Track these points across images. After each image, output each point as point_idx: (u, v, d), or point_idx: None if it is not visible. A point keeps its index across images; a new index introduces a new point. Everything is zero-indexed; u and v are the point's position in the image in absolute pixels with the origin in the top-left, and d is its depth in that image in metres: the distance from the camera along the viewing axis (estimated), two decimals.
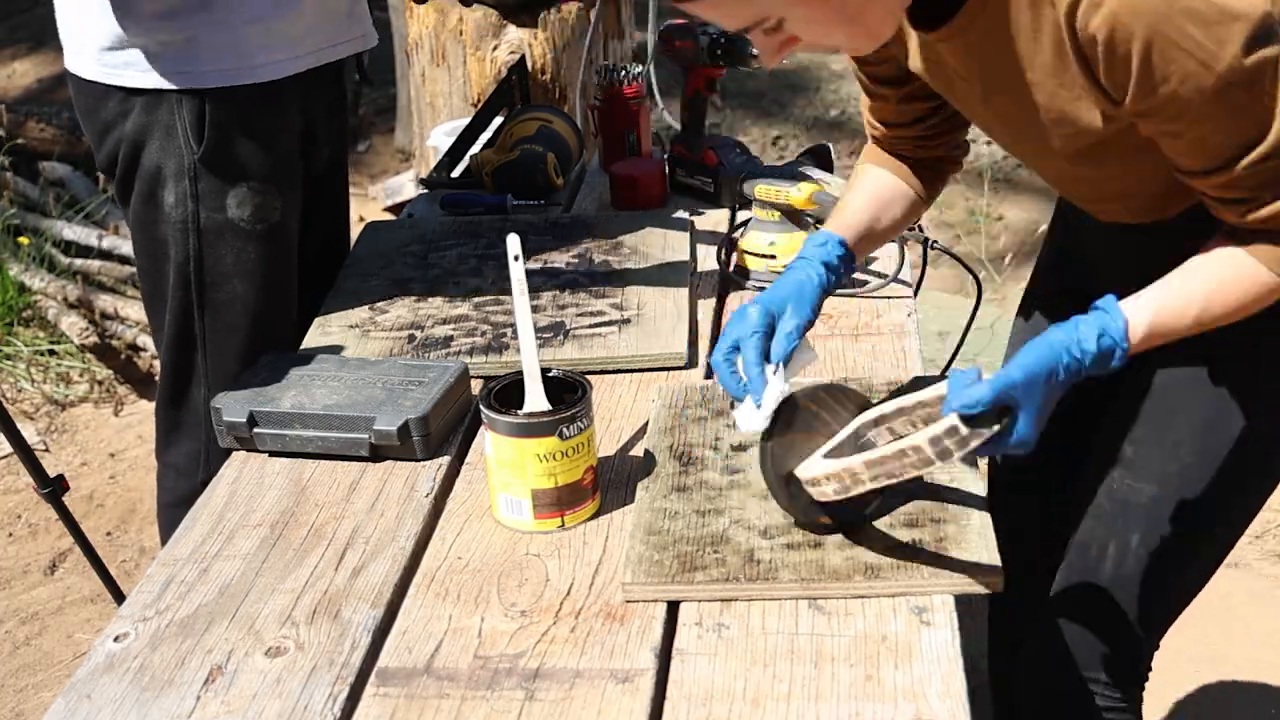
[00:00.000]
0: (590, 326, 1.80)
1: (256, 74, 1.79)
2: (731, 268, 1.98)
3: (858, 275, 1.93)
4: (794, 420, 1.34)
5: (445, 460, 1.56)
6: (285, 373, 1.67)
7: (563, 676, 1.20)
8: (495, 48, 2.90)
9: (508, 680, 1.20)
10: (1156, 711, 2.50)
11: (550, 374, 1.45)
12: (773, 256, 1.91)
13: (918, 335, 1.79)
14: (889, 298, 1.87)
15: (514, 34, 2.88)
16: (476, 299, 1.90)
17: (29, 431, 3.40)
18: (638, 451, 1.53)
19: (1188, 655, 2.60)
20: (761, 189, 1.92)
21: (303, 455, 1.58)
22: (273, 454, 1.60)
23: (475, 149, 2.42)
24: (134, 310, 3.76)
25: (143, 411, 3.56)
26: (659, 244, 2.04)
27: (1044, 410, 1.25)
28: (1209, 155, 1.24)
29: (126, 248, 4.01)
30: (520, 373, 1.45)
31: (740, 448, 1.50)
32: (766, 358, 1.37)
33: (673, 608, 1.29)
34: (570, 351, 1.74)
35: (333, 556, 1.40)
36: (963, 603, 1.28)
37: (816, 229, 1.99)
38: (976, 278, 1.89)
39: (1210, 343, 1.37)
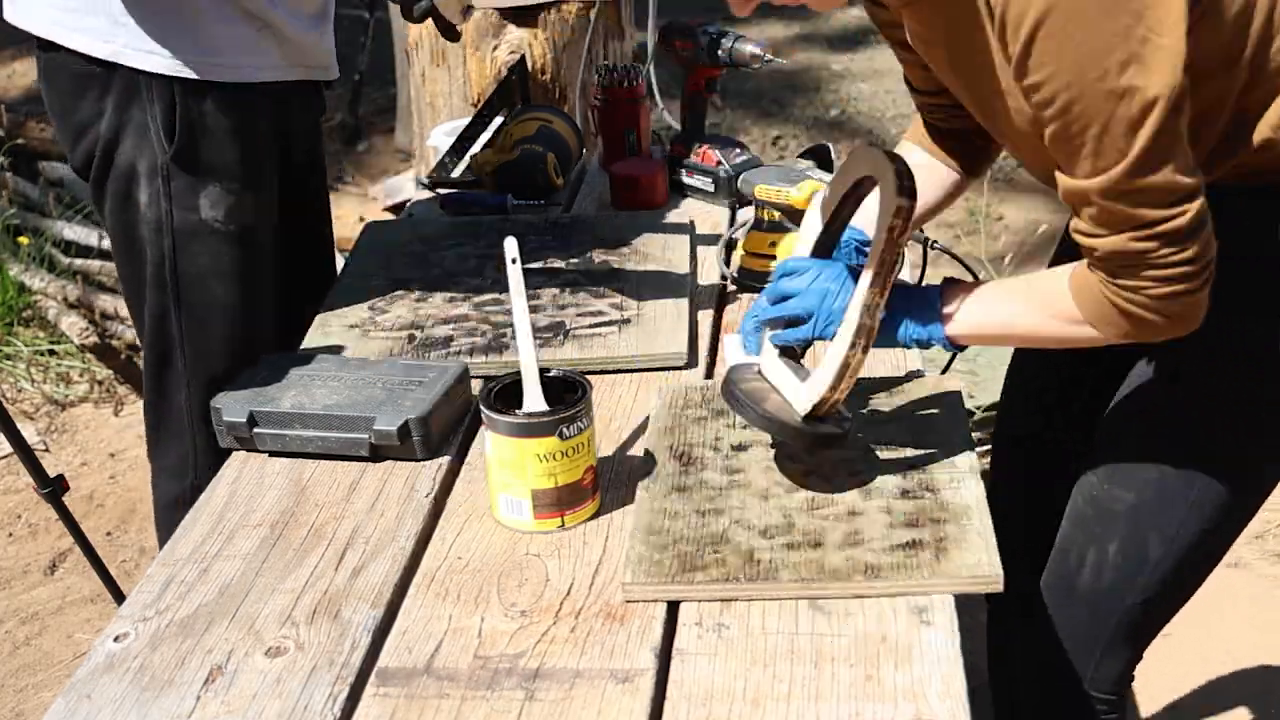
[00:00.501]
0: (590, 326, 1.80)
1: (224, 74, 1.77)
2: (731, 267, 1.98)
3: None
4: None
5: (445, 460, 1.56)
6: (285, 373, 1.67)
7: (563, 676, 1.20)
8: (495, 48, 2.89)
9: (508, 680, 1.20)
10: (1157, 712, 2.50)
11: (550, 374, 1.45)
12: (773, 257, 1.91)
13: None
14: None
15: (514, 34, 2.87)
16: (476, 299, 1.90)
17: (29, 431, 3.40)
18: (638, 451, 1.53)
19: (1188, 655, 2.60)
20: (761, 189, 1.92)
21: (303, 455, 1.58)
22: (273, 454, 1.60)
23: (475, 149, 2.42)
24: None
25: (142, 411, 3.56)
26: (659, 244, 2.04)
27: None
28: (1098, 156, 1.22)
29: None
30: (518, 373, 1.45)
31: (740, 448, 1.50)
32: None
33: (673, 608, 1.29)
34: (570, 351, 1.74)
35: (333, 556, 1.40)
36: (963, 603, 1.28)
37: None
38: (976, 278, 1.88)
39: (1198, 352, 1.37)
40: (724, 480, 1.45)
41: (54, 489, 2.21)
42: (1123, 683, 1.65)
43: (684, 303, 1.85)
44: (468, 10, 2.76)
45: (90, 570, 2.38)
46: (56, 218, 4.29)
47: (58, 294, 3.89)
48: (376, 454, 1.56)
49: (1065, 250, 1.73)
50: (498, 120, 2.50)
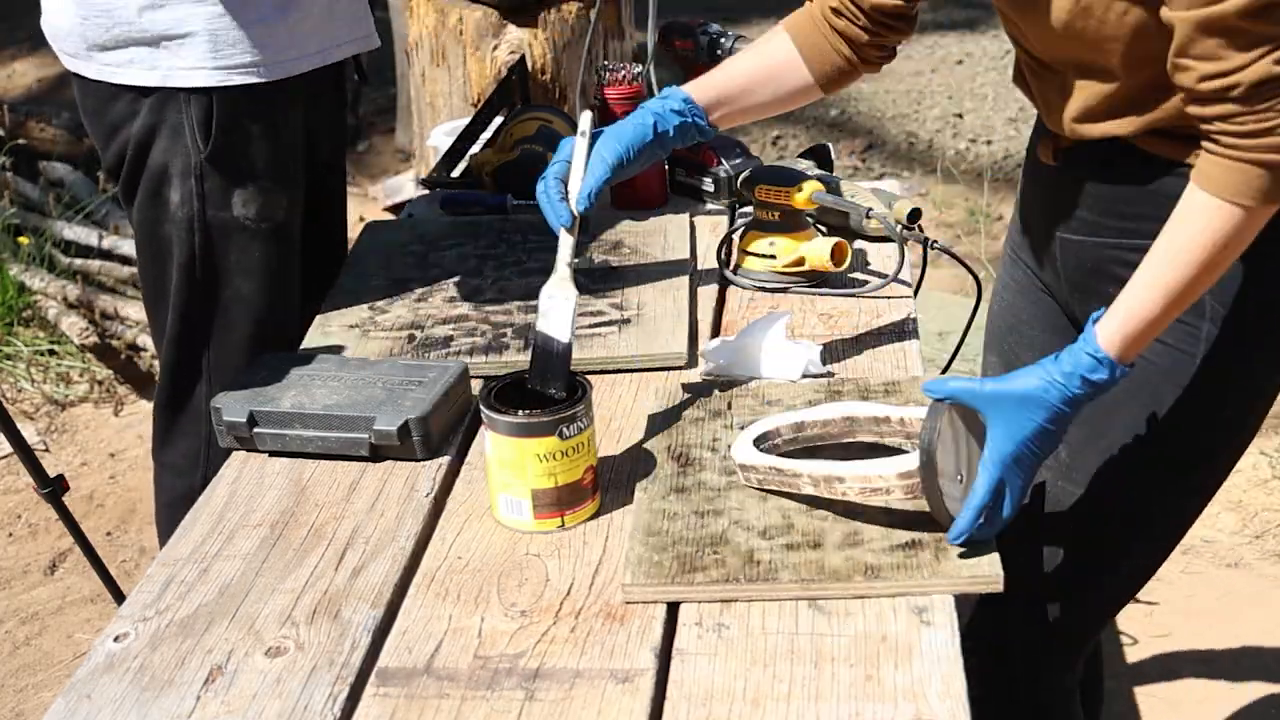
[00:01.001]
0: (590, 326, 1.80)
1: (262, 74, 1.80)
2: (731, 268, 1.98)
3: (857, 275, 1.93)
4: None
5: (445, 460, 1.56)
6: (285, 373, 1.67)
7: (563, 676, 1.20)
8: (495, 48, 2.89)
9: (508, 680, 1.20)
10: (1157, 712, 2.50)
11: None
12: (773, 256, 1.91)
13: (918, 335, 1.79)
14: (889, 298, 1.87)
15: (514, 34, 2.87)
16: (476, 299, 1.90)
17: (29, 431, 3.40)
18: (637, 451, 1.53)
19: (1188, 655, 2.60)
20: (761, 189, 1.92)
21: (303, 455, 1.58)
22: (273, 454, 1.60)
23: (475, 149, 2.42)
24: (134, 310, 3.76)
25: (143, 411, 3.56)
26: (659, 244, 2.04)
27: (1029, 477, 1.30)
28: None
29: (126, 248, 4.01)
30: (520, 372, 1.45)
31: None
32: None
33: (673, 608, 1.29)
34: None
35: (333, 556, 1.40)
36: (962, 602, 1.28)
37: (818, 229, 2.00)
38: (976, 278, 1.89)
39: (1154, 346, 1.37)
40: (722, 481, 1.45)
41: (54, 489, 2.21)
42: (1081, 653, 1.68)
43: (684, 303, 1.85)
44: None
45: (90, 570, 2.39)
46: (57, 218, 4.29)
47: (58, 294, 3.89)
48: (376, 454, 1.56)
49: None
50: (498, 120, 2.50)
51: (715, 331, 1.84)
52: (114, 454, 3.43)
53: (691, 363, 1.74)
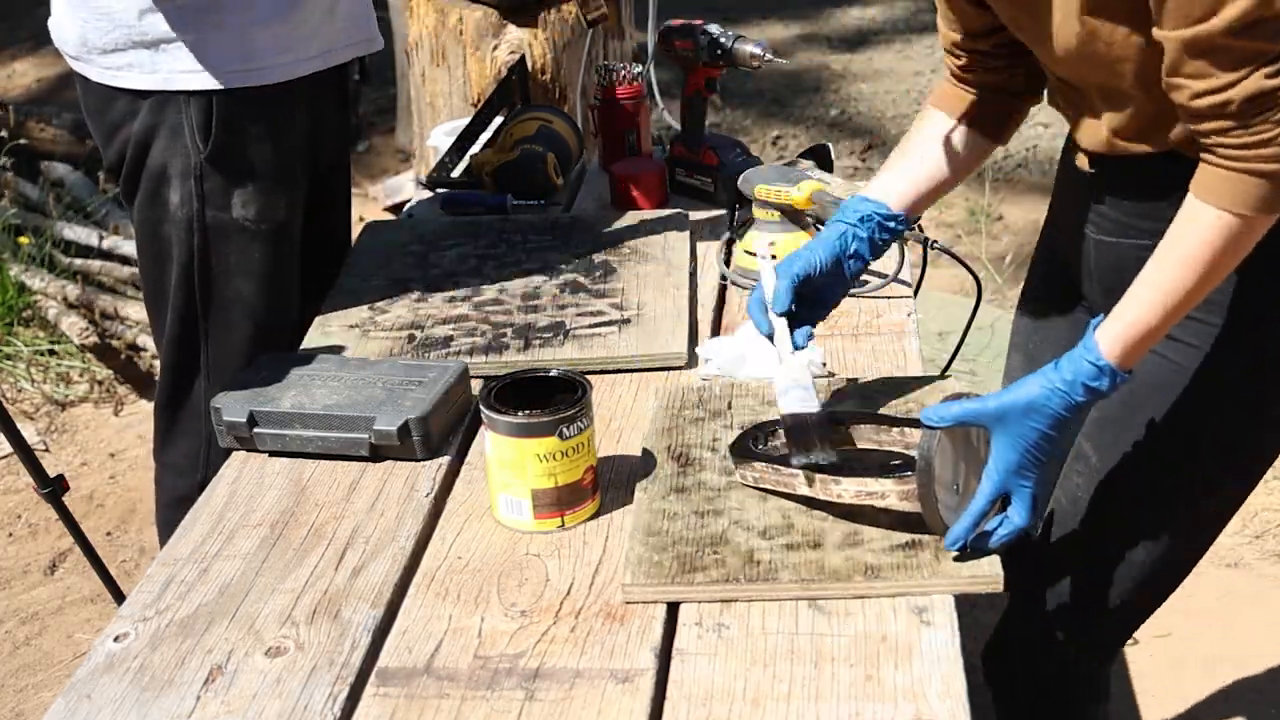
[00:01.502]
0: (590, 326, 1.80)
1: (263, 76, 1.80)
2: (731, 268, 1.98)
3: None
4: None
5: (445, 460, 1.56)
6: (285, 373, 1.67)
7: (563, 676, 1.20)
8: (495, 48, 2.90)
9: (508, 680, 1.20)
10: (1158, 712, 2.50)
11: (550, 374, 1.45)
12: (773, 257, 1.91)
13: (918, 335, 1.79)
14: (889, 298, 1.87)
15: (514, 34, 2.87)
16: (476, 299, 1.90)
17: (29, 431, 3.40)
18: (637, 452, 1.53)
19: (1188, 656, 2.60)
20: (761, 189, 1.92)
21: (303, 455, 1.58)
22: (273, 454, 1.60)
23: (475, 149, 2.42)
24: (134, 310, 3.76)
25: (143, 411, 3.56)
26: (659, 244, 2.04)
27: (1039, 483, 1.30)
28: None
29: (126, 248, 4.01)
30: (521, 372, 1.45)
31: None
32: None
33: (673, 608, 1.29)
34: (570, 351, 1.74)
35: (333, 556, 1.40)
36: (962, 602, 1.28)
37: (817, 229, 2.00)
38: (976, 278, 1.89)
39: (1179, 341, 1.38)
40: (722, 481, 1.45)
41: (54, 489, 2.21)
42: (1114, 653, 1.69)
43: (684, 303, 1.85)
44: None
45: (90, 570, 2.38)
46: (57, 218, 4.29)
47: (58, 294, 3.89)
48: (376, 454, 1.56)
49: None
50: (498, 120, 2.50)
51: (715, 331, 1.84)
52: (114, 454, 3.43)
53: (691, 363, 1.74)
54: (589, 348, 1.75)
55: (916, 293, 1.91)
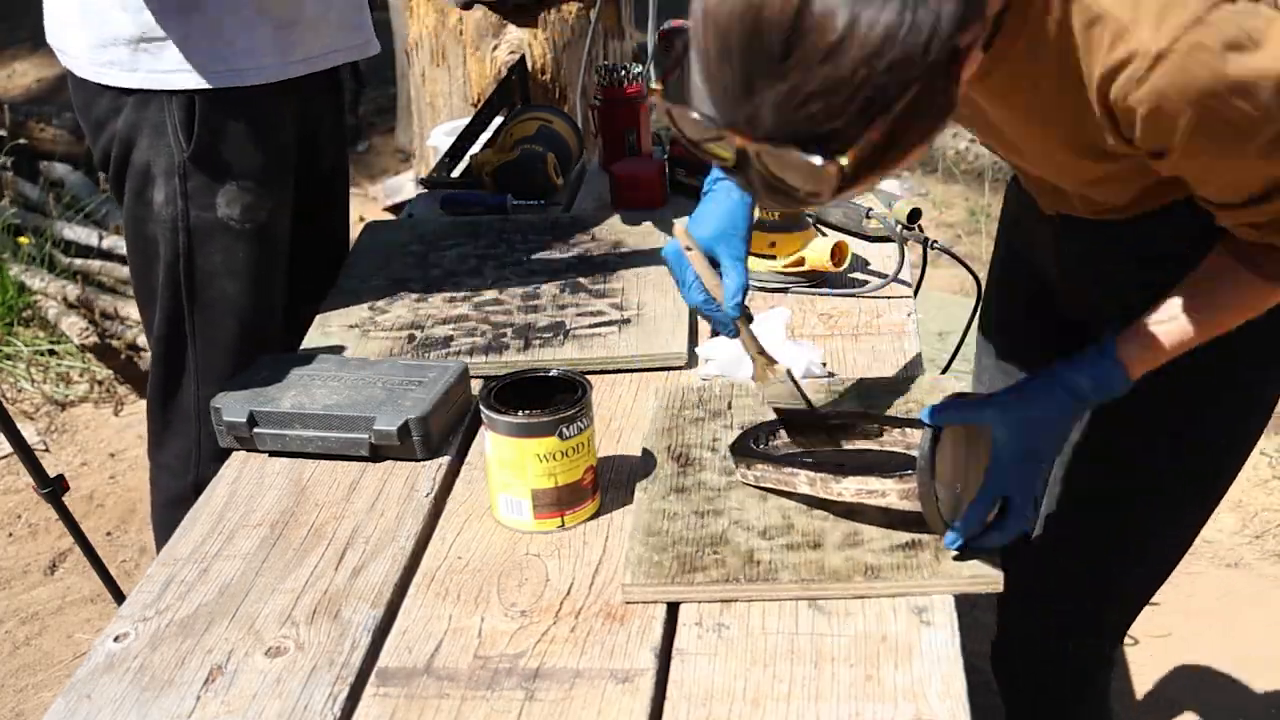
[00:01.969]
0: (590, 326, 1.80)
1: (246, 77, 1.79)
2: None
3: (857, 275, 1.93)
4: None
5: (445, 460, 1.56)
6: (285, 373, 1.67)
7: (563, 676, 1.20)
8: (495, 48, 2.90)
9: (508, 680, 1.20)
10: (1158, 712, 2.50)
11: (550, 374, 1.45)
12: (773, 256, 1.91)
13: (918, 335, 1.79)
14: (889, 298, 1.87)
15: (514, 34, 2.87)
16: (476, 299, 1.90)
17: (29, 431, 3.40)
18: (637, 452, 1.53)
19: (1189, 656, 2.60)
20: None
21: (303, 455, 1.58)
22: (273, 454, 1.60)
23: (475, 149, 2.42)
24: (134, 310, 3.76)
25: (142, 411, 3.54)
26: (659, 244, 2.04)
27: (1041, 485, 1.30)
28: (1241, 191, 1.22)
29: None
30: (521, 372, 1.45)
31: None
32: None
33: (673, 608, 1.29)
34: (570, 351, 1.74)
35: (333, 556, 1.40)
36: (962, 602, 1.28)
37: (817, 229, 2.00)
38: (976, 278, 1.89)
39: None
40: (722, 481, 1.45)
41: (54, 489, 2.21)
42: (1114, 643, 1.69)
43: (684, 303, 1.85)
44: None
45: (90, 570, 2.38)
46: (56, 218, 4.30)
47: (58, 294, 3.89)
48: (376, 454, 1.56)
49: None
50: (497, 120, 2.50)
51: (715, 331, 1.84)
52: (114, 454, 3.43)
53: (691, 363, 1.74)
54: (589, 348, 1.75)
55: (916, 293, 1.91)
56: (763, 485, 1.41)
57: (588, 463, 1.41)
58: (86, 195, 4.48)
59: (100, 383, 3.70)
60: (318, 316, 1.89)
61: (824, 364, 1.68)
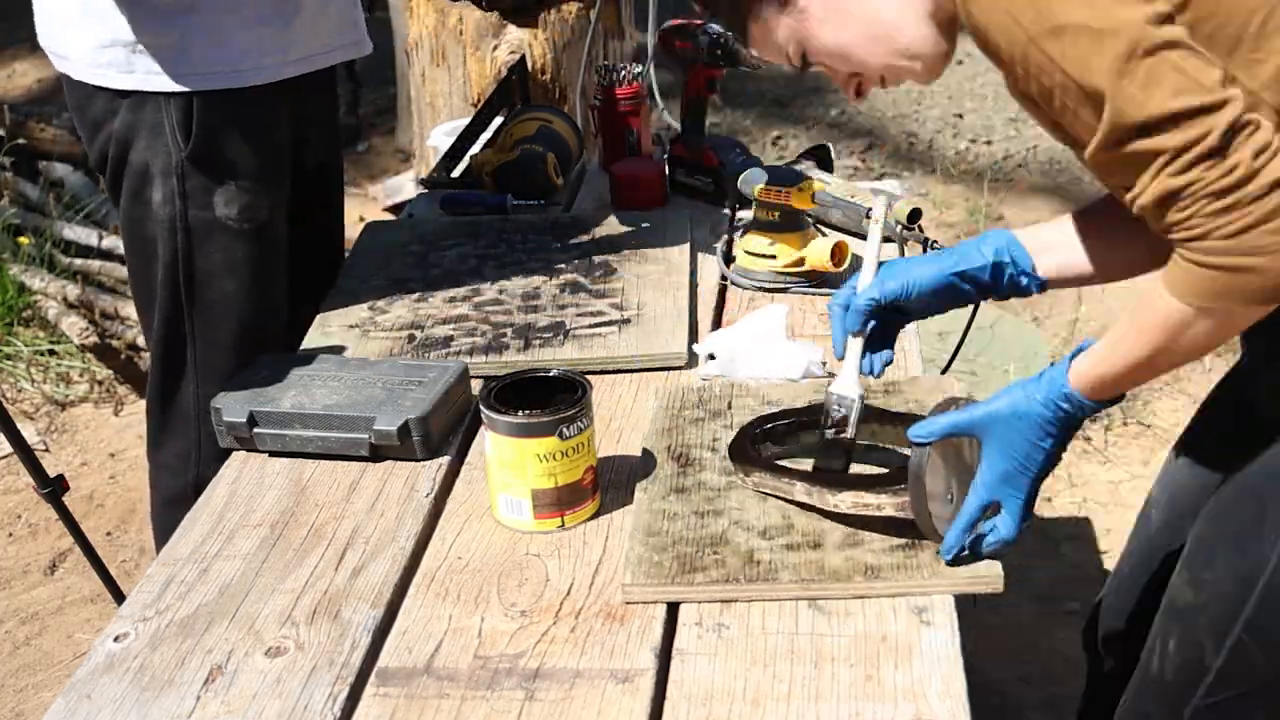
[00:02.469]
0: (590, 326, 1.80)
1: (243, 78, 1.79)
2: (731, 268, 1.98)
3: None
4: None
5: (445, 460, 1.56)
6: (285, 373, 1.67)
7: (563, 676, 1.20)
8: (495, 48, 2.89)
9: (508, 680, 1.20)
10: None
11: (550, 374, 1.45)
12: (773, 257, 1.91)
13: (918, 335, 1.79)
14: None
15: (514, 34, 2.87)
16: (476, 299, 1.90)
17: (29, 431, 3.40)
18: (637, 452, 1.53)
19: None
20: (761, 189, 1.92)
21: (303, 455, 1.58)
22: (273, 454, 1.60)
23: (475, 149, 2.42)
24: (134, 310, 3.75)
25: (142, 411, 3.52)
26: (659, 244, 2.04)
27: (1028, 494, 1.28)
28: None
29: None
30: (521, 372, 1.45)
31: None
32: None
33: (673, 608, 1.29)
34: (570, 351, 1.74)
35: (333, 556, 1.40)
36: (962, 603, 1.28)
37: (818, 229, 2.00)
38: None
39: None
40: (722, 481, 1.45)
41: (54, 489, 2.21)
42: None
43: (684, 303, 1.85)
44: None
45: (90, 570, 2.38)
46: (56, 218, 4.29)
47: (58, 294, 3.89)
48: (376, 454, 1.56)
49: None
50: (497, 120, 2.50)
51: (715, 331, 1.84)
52: (114, 454, 3.43)
53: (691, 363, 1.74)
54: (589, 348, 1.75)
55: None
56: (760, 490, 1.41)
57: (588, 463, 1.41)
58: (86, 195, 4.48)
59: (100, 383, 3.70)
60: (318, 316, 1.89)
61: (824, 364, 1.68)
